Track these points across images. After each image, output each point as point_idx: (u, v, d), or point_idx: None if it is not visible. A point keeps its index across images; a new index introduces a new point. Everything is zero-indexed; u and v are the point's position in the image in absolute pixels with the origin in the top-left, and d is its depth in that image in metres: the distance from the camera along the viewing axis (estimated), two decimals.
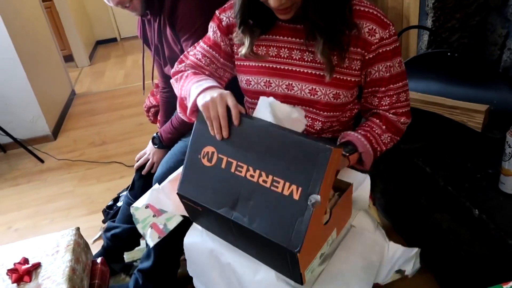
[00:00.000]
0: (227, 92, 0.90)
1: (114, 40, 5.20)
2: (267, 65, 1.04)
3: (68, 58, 4.23)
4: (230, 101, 0.88)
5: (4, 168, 2.65)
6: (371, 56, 0.96)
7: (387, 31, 0.94)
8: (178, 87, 1.08)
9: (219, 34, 1.07)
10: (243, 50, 1.02)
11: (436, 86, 1.51)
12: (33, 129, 2.85)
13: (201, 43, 1.12)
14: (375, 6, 0.96)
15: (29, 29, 3.00)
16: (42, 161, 2.63)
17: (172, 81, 1.13)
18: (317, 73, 0.98)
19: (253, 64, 1.05)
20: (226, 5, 1.08)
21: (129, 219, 1.54)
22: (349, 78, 0.99)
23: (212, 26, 1.09)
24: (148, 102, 1.87)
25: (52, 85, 3.24)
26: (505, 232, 1.01)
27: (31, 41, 2.98)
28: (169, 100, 1.60)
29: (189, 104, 0.96)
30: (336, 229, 0.89)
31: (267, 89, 1.05)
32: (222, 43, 1.08)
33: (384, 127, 1.03)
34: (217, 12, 1.09)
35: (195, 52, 1.11)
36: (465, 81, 1.45)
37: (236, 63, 1.10)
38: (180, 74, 1.09)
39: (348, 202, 0.92)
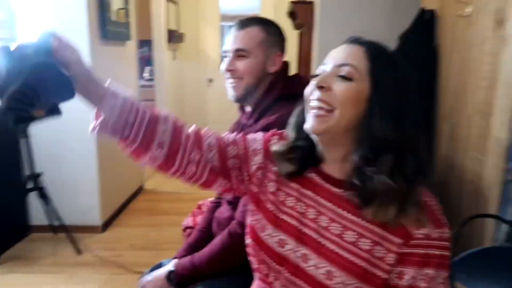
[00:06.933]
0: None
1: None
2: (289, 220, 0.84)
3: None
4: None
5: (46, 250, 2.64)
6: (406, 251, 0.74)
7: (439, 230, 0.74)
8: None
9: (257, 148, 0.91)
10: (285, 168, 0.86)
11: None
12: (85, 218, 2.86)
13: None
14: (436, 202, 0.77)
15: None
16: (80, 252, 2.59)
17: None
18: (341, 253, 0.77)
19: (273, 209, 0.87)
20: (283, 133, 0.93)
21: None
22: (378, 273, 0.75)
23: (256, 139, 0.92)
24: (186, 221, 1.74)
25: (120, 177, 3.30)
26: None
27: None
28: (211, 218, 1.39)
29: None
30: None
31: (280, 248, 0.84)
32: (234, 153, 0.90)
33: None
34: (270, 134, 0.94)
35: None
36: None
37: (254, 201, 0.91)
38: None
39: None
